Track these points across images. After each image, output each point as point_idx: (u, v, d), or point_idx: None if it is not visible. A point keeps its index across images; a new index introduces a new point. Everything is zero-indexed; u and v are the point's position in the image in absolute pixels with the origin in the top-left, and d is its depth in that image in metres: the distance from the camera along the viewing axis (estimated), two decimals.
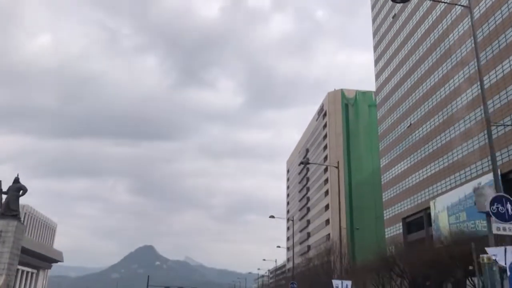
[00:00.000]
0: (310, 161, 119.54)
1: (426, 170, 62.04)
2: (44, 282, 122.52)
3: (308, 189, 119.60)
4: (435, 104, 60.74)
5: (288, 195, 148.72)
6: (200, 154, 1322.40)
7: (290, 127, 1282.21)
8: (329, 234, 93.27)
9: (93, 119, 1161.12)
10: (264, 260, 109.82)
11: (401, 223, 69.29)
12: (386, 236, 73.21)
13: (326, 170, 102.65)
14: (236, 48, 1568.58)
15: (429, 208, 59.97)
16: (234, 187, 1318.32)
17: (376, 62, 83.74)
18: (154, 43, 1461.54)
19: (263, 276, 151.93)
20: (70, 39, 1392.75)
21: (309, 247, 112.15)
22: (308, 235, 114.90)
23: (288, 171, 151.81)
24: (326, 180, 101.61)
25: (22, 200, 29.05)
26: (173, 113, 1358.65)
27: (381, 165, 77.90)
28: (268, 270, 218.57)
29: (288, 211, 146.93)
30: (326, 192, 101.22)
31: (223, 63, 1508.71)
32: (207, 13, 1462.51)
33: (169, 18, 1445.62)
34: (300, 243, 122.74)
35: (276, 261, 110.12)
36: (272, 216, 63.91)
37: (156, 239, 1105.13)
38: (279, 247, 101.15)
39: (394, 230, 71.16)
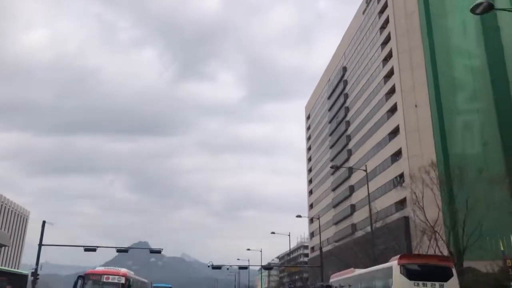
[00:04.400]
0: (351, 82, 79.85)
1: None
2: None
3: (348, 124, 79.93)
4: None
5: (309, 149, 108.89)
6: (199, 149, 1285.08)
7: (291, 121, 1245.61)
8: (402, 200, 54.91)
9: (90, 115, 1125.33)
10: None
11: None
12: None
13: (388, 77, 63.19)
14: (236, 41, 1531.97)
15: None
16: (233, 182, 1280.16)
17: None
18: (152, 36, 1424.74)
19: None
20: (66, 33, 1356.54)
21: (354, 227, 73.24)
22: (354, 208, 75.24)
23: (308, 117, 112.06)
24: (390, 95, 62.19)
25: None
26: (171, 107, 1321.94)
27: None
28: (278, 258, 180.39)
29: (310, 170, 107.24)
30: (392, 110, 61.78)
31: (223, 56, 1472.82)
32: (206, 5, 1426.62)
33: (168, 10, 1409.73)
34: (336, 223, 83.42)
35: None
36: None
37: (152, 236, 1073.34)
38: (299, 216, 60.90)
39: None
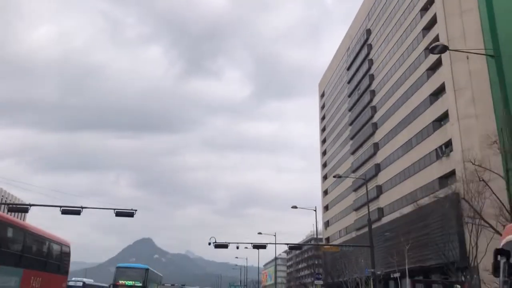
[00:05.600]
0: (376, 45, 69.21)
1: None
2: None
3: (373, 94, 69.22)
4: None
5: (323, 129, 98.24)
6: (204, 146, 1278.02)
7: (297, 120, 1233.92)
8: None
9: (95, 112, 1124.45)
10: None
11: None
12: None
13: (429, 28, 52.54)
14: (243, 38, 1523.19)
15: None
16: (237, 180, 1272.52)
17: None
18: (159, 32, 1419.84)
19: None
20: (73, 29, 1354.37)
21: (381, 212, 63.14)
22: (380, 190, 64.76)
23: (322, 95, 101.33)
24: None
25: None
26: (177, 105, 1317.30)
27: None
28: (285, 252, 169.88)
29: (324, 153, 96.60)
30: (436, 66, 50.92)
31: (229, 53, 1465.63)
32: (214, 2, 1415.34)
33: (175, 6, 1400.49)
34: (357, 209, 73.03)
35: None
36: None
37: (157, 233, 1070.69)
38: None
39: None
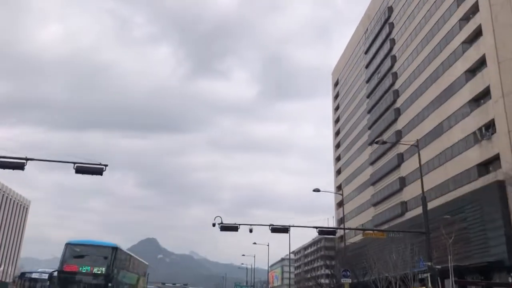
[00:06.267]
0: (400, 23, 63.15)
1: None
2: None
3: (395, 76, 63.05)
4: None
5: (337, 121, 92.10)
6: (210, 147, 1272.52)
7: (305, 121, 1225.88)
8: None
9: (102, 111, 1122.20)
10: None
11: None
12: None
13: None
14: (251, 37, 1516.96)
15: None
16: (243, 181, 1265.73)
17: None
18: (167, 32, 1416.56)
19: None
20: (81, 28, 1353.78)
21: (405, 206, 57.08)
22: (403, 182, 58.50)
23: (336, 84, 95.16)
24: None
25: None
26: (184, 104, 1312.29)
27: None
28: (293, 253, 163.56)
29: (337, 146, 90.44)
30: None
31: (237, 53, 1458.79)
32: (222, 1, 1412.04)
33: (183, 5, 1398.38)
34: (376, 204, 66.98)
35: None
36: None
37: (161, 233, 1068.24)
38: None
39: None
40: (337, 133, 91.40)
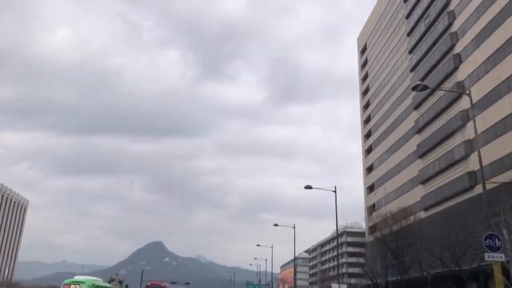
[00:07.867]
0: None
1: None
2: None
3: (453, 16, 49.48)
4: None
5: (365, 92, 78.59)
6: (219, 151, 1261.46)
7: (314, 124, 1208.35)
8: None
9: (111, 115, 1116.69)
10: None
11: None
12: None
13: None
14: (260, 41, 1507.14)
15: None
16: (251, 185, 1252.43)
17: None
18: (176, 36, 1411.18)
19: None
20: (90, 33, 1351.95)
21: (473, 177, 43.76)
22: (470, 148, 44.84)
23: (364, 49, 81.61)
24: None
25: None
26: (193, 108, 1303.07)
27: None
28: (308, 251, 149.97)
29: (366, 120, 76.97)
30: None
31: (246, 56, 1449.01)
32: (231, 5, 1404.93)
33: (192, 9, 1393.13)
34: (425, 181, 53.69)
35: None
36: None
37: (169, 237, 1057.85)
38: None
39: None
40: (365, 106, 77.84)
